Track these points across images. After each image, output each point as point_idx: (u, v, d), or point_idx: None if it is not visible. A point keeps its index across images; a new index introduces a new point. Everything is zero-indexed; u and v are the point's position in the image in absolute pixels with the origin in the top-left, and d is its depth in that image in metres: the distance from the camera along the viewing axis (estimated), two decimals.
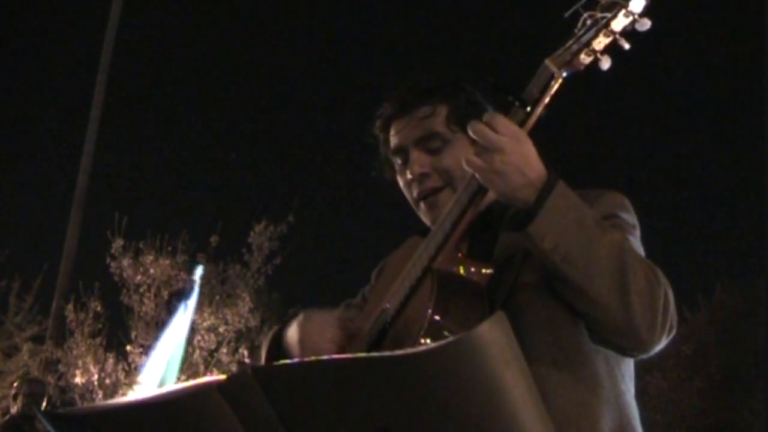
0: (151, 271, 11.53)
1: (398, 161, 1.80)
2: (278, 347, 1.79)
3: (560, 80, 1.49)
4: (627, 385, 1.63)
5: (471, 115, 1.59)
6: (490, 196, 1.61)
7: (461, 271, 1.63)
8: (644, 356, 1.57)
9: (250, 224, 11.97)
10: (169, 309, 11.52)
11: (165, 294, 11.55)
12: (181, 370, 10.98)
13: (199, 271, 11.50)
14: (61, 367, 11.31)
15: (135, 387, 10.75)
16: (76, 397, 11.03)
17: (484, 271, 1.62)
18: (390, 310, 1.66)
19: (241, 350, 11.54)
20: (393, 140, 1.79)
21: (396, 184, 1.83)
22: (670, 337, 1.55)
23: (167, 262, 11.59)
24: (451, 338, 1.06)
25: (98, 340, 11.40)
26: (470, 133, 1.49)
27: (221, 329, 11.57)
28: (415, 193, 1.76)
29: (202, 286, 11.47)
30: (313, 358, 1.33)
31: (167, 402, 1.19)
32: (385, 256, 1.96)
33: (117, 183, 17.99)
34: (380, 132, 1.83)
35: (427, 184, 1.73)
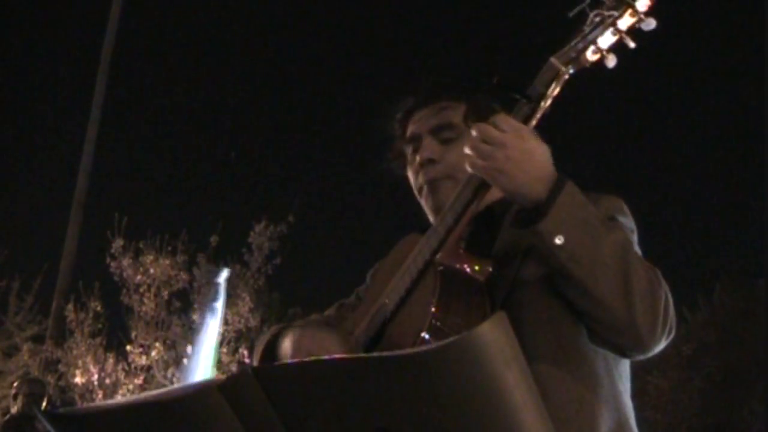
0: (151, 271, 11.51)
1: (410, 149, 1.81)
2: (272, 358, 1.75)
3: (565, 77, 1.49)
4: (624, 386, 1.64)
5: (488, 116, 1.59)
6: (490, 196, 1.61)
7: (462, 266, 1.62)
8: (642, 357, 1.58)
9: (250, 224, 11.98)
10: (169, 309, 11.52)
11: (165, 294, 11.54)
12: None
13: (224, 274, 11.46)
14: (61, 367, 11.30)
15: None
16: (76, 397, 11.02)
17: (484, 267, 1.61)
18: (389, 305, 1.65)
19: (241, 350, 11.52)
20: (410, 129, 1.82)
21: (399, 183, 1.84)
22: (670, 338, 1.56)
23: (167, 262, 11.56)
24: (451, 338, 1.05)
25: (98, 340, 11.40)
26: (473, 132, 1.50)
27: (221, 329, 11.57)
28: (420, 179, 1.77)
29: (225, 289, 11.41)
30: (313, 358, 1.33)
31: (167, 402, 1.18)
32: (384, 256, 1.95)
33: (117, 183, 18.01)
34: (399, 123, 1.85)
35: (432, 171, 1.74)
